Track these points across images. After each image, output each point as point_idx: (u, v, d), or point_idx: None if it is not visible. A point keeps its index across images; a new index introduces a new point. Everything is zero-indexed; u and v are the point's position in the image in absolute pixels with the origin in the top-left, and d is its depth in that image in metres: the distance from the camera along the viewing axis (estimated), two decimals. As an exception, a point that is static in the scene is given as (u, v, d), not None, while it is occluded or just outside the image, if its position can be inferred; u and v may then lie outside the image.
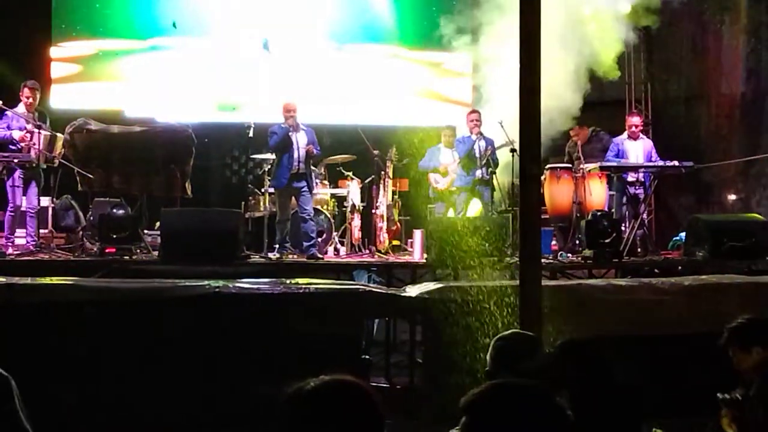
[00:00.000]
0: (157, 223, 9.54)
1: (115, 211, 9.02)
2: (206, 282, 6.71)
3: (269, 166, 9.83)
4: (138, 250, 9.02)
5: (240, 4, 12.77)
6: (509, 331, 3.77)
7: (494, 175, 10.12)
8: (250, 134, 9.84)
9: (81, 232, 9.98)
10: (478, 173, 10.21)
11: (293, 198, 9.77)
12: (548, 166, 10.30)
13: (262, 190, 10.22)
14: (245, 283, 6.85)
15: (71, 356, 6.23)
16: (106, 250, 8.74)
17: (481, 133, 10.44)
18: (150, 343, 6.35)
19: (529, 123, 4.55)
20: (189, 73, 12.53)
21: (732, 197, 12.35)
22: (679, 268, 9.15)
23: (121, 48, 12.55)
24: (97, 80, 12.51)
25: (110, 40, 12.53)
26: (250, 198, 10.97)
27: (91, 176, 9.31)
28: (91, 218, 9.81)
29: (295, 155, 9.57)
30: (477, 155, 10.22)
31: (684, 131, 12.62)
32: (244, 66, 12.58)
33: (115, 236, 8.79)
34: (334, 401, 2.05)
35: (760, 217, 10.40)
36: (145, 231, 9.57)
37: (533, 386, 2.09)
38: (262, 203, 10.37)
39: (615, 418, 2.69)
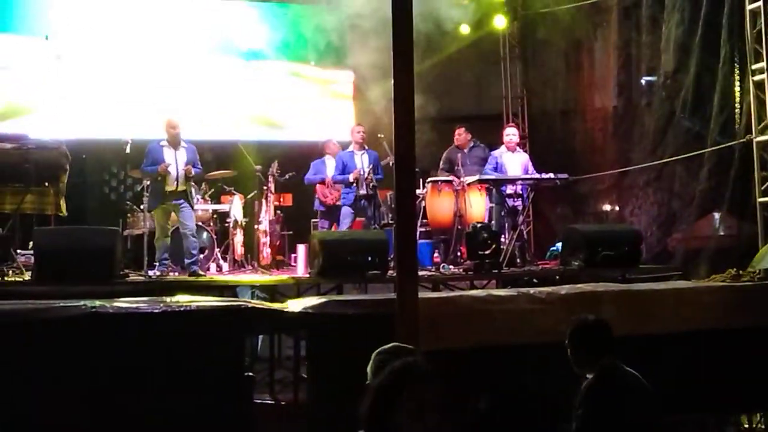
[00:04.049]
0: (31, 243, 9.22)
1: (-15, 230, 8.70)
2: (82, 302, 6.52)
3: (148, 183, 9.65)
4: (10, 271, 8.70)
5: (118, 17, 12.47)
6: (389, 345, 3.79)
7: (376, 189, 10.17)
8: (128, 150, 9.64)
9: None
10: (362, 189, 10.23)
11: (173, 214, 9.60)
12: (429, 179, 10.44)
13: (141, 207, 10.00)
14: (124, 303, 6.68)
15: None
16: (-24, 272, 8.42)
17: (365, 147, 10.51)
18: (24, 366, 6.13)
19: (404, 137, 4.61)
20: (64, 88, 12.17)
21: (606, 208, 12.75)
22: (557, 277, 9.38)
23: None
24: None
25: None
26: (129, 215, 10.74)
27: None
28: (-41, 239, 9.41)
29: (173, 174, 9.43)
30: (360, 170, 10.26)
31: (559, 144, 12.97)
32: (123, 80, 12.32)
33: (-15, 257, 8.49)
34: None
35: (632, 227, 10.80)
36: (18, 251, 9.24)
37: None
38: (141, 220, 10.15)
39: None
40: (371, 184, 10.08)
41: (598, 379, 4.51)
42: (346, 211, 10.33)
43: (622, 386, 4.49)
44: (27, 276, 8.54)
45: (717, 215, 10.42)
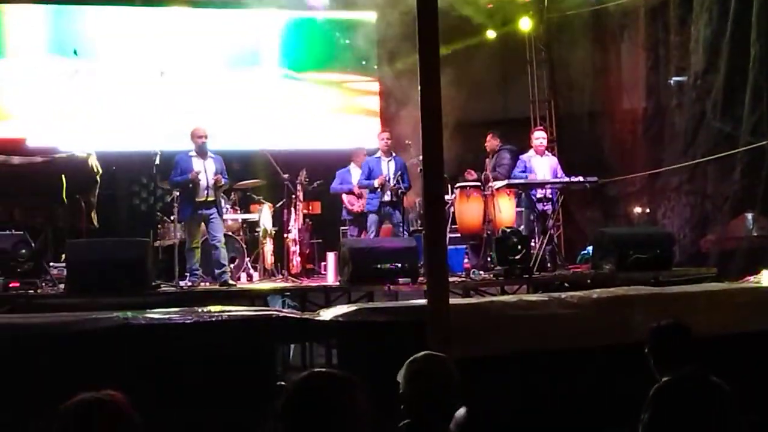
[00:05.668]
0: (63, 255, 9.29)
1: (17, 244, 8.76)
2: (115, 313, 6.55)
3: (178, 194, 9.69)
4: (43, 284, 8.78)
5: (141, 31, 12.59)
6: (421, 353, 3.75)
7: (404, 196, 10.14)
8: (157, 161, 9.69)
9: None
10: (387, 195, 10.22)
11: (203, 224, 9.64)
12: (458, 185, 10.40)
13: (172, 218, 10.05)
14: (156, 313, 6.70)
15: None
16: (10, 285, 8.47)
17: (392, 154, 10.48)
18: (58, 378, 6.16)
19: (432, 144, 4.59)
20: (93, 101, 12.29)
21: (638, 210, 12.64)
22: (588, 281, 9.30)
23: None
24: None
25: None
26: (159, 226, 10.79)
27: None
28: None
29: (203, 183, 9.47)
30: (386, 176, 10.23)
31: (588, 147, 12.86)
32: (150, 92, 12.43)
33: (18, 270, 8.54)
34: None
35: (663, 229, 10.70)
36: (51, 263, 9.32)
37: None
38: (171, 231, 10.19)
39: None
40: (399, 191, 10.04)
41: (671, 382, 4.34)
42: (372, 218, 10.31)
43: (695, 394, 4.29)
44: (60, 288, 8.60)
45: (750, 215, 10.31)
